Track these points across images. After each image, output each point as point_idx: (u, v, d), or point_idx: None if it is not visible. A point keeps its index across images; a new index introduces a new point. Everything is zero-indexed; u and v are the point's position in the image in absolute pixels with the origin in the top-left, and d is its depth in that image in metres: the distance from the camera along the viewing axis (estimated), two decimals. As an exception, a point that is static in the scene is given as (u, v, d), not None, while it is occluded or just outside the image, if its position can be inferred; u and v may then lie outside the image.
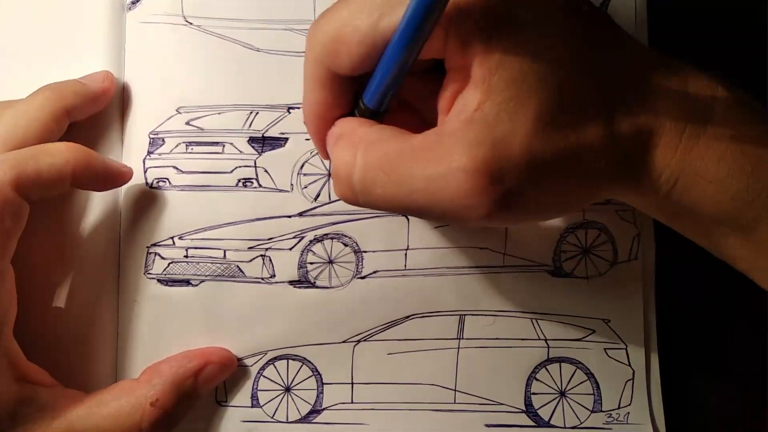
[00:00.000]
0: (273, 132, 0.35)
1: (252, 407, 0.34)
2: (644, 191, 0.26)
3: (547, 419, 0.35)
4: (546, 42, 0.24)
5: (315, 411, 0.34)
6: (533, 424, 0.34)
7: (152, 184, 0.35)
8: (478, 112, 0.23)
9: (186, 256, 0.34)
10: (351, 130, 0.26)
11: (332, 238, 0.35)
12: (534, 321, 0.35)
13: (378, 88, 0.26)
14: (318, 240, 0.35)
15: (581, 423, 0.34)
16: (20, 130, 0.31)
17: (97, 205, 0.34)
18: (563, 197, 0.25)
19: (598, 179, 0.25)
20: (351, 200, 0.26)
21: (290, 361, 0.34)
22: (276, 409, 0.34)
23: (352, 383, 0.34)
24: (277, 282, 0.34)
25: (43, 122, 0.31)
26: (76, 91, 0.33)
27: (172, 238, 0.34)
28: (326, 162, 0.35)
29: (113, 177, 0.33)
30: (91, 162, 0.31)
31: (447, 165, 0.23)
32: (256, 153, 0.35)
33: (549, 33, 0.24)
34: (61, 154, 0.30)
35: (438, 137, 0.24)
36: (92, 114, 0.34)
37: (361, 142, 0.25)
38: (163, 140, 0.35)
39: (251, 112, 0.35)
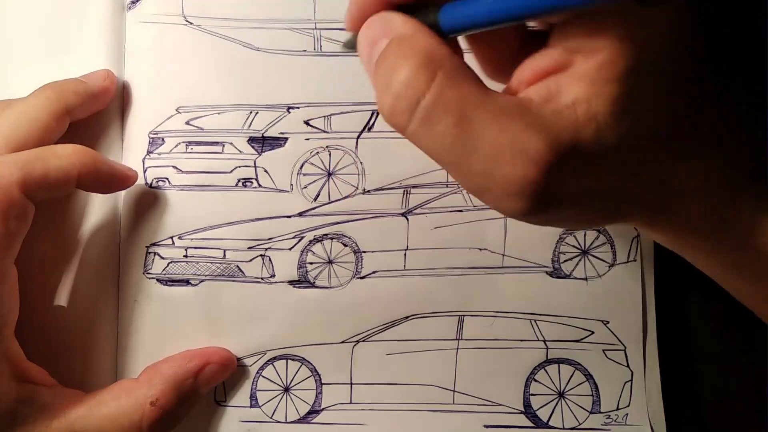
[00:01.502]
0: (273, 132, 0.35)
1: (251, 407, 0.34)
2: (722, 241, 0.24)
3: (545, 420, 0.35)
4: (673, 61, 0.21)
5: (314, 411, 0.34)
6: (532, 425, 0.35)
7: (152, 183, 0.35)
8: (571, 109, 0.21)
9: (185, 256, 0.34)
10: (425, 44, 0.22)
11: (332, 238, 0.35)
12: (533, 322, 0.35)
13: (477, 17, 0.21)
14: (318, 240, 0.35)
15: (579, 424, 0.35)
16: (22, 130, 0.31)
17: (97, 204, 0.34)
18: (605, 219, 0.24)
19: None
20: (401, 124, 0.22)
21: (289, 361, 0.34)
22: (275, 409, 0.34)
23: (351, 383, 0.34)
24: (276, 282, 0.34)
25: (45, 121, 0.31)
26: (77, 90, 0.33)
27: (171, 237, 0.34)
28: (326, 162, 0.35)
29: (118, 180, 0.33)
30: (97, 165, 0.31)
31: (522, 144, 0.21)
32: (255, 153, 0.35)
33: (679, 55, 0.21)
34: (68, 156, 0.30)
35: (522, 110, 0.21)
36: (93, 112, 0.34)
37: (443, 69, 0.22)
38: (163, 140, 0.35)
39: (251, 112, 0.35)
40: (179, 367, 0.32)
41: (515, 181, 0.21)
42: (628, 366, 0.35)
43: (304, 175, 0.35)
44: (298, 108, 0.36)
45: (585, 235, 0.35)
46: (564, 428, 0.35)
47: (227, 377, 0.34)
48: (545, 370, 0.35)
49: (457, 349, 0.35)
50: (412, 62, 0.22)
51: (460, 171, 0.22)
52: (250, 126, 0.35)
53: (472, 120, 0.21)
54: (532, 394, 0.35)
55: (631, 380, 0.35)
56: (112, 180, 0.32)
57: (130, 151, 0.35)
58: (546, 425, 0.35)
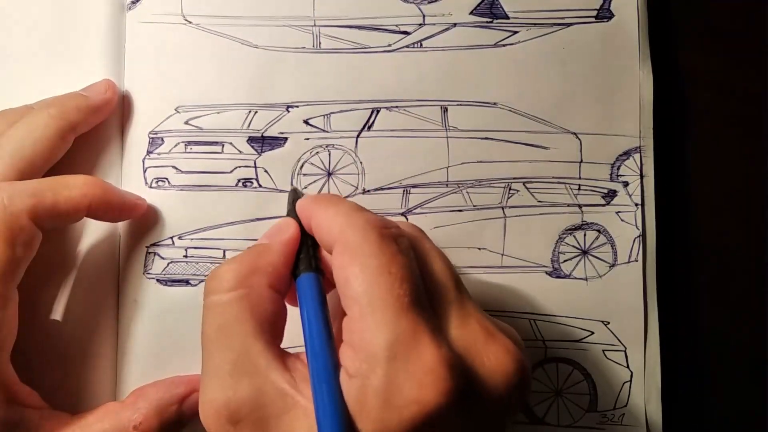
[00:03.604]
0: (272, 131, 0.35)
1: (251, 406, 0.35)
2: None
3: (541, 417, 0.35)
4: None
5: (314, 410, 0.35)
6: (526, 420, 0.35)
7: (151, 183, 0.35)
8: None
9: (185, 256, 0.35)
10: (267, 264, 0.27)
11: (331, 238, 0.35)
12: (532, 322, 0.35)
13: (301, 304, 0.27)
14: (317, 240, 0.35)
15: (575, 422, 0.35)
16: (27, 150, 0.31)
17: (97, 205, 0.34)
18: None
19: None
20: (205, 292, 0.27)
21: (289, 361, 0.35)
22: (275, 408, 0.35)
23: (351, 383, 0.35)
24: (276, 282, 0.35)
25: (50, 140, 0.32)
26: (80, 106, 0.33)
27: (171, 237, 0.35)
28: (326, 161, 0.35)
29: (128, 209, 0.33)
30: (107, 196, 0.32)
31: (216, 391, 0.25)
32: (255, 153, 0.35)
33: None
34: (79, 187, 0.30)
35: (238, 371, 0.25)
36: (96, 124, 0.34)
37: (247, 290, 0.26)
38: (163, 140, 0.35)
39: (250, 111, 0.35)
40: (165, 392, 0.32)
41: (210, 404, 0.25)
42: (627, 367, 0.35)
43: (304, 175, 0.35)
44: (297, 107, 0.35)
45: (585, 235, 0.35)
46: (559, 425, 0.35)
47: None
48: (543, 369, 0.35)
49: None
50: (237, 267, 0.27)
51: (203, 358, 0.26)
52: (249, 125, 0.35)
53: (222, 338, 0.25)
54: (530, 393, 0.35)
55: (631, 381, 0.35)
56: (121, 210, 0.33)
57: (129, 151, 0.35)
58: (540, 422, 0.35)
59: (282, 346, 0.27)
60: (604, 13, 0.36)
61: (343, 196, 0.30)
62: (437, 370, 0.23)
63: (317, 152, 0.35)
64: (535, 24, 0.36)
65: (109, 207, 0.32)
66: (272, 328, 0.26)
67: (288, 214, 0.30)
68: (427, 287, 0.25)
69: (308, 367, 0.24)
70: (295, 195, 0.31)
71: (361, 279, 0.24)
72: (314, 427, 0.23)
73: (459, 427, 0.23)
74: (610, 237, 0.35)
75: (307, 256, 0.28)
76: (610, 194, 0.35)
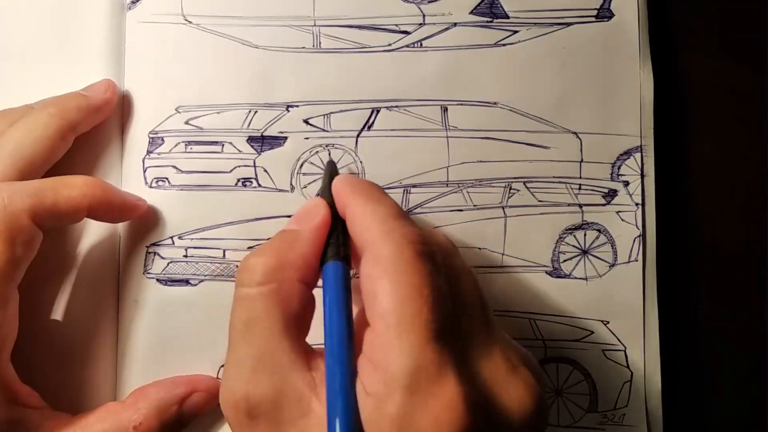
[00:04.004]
0: (272, 131, 0.35)
1: (251, 406, 0.35)
2: None
3: (543, 418, 0.35)
4: None
5: (314, 410, 0.35)
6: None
7: (151, 183, 0.35)
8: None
9: (185, 256, 0.35)
10: (290, 257, 0.27)
11: (331, 238, 0.35)
12: (532, 321, 0.35)
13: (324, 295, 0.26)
14: (317, 240, 0.35)
15: (575, 422, 0.35)
16: (27, 150, 0.31)
17: (97, 205, 0.34)
18: None
19: None
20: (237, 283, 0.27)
21: (289, 361, 0.35)
22: (275, 408, 0.35)
23: (351, 383, 0.35)
24: (276, 282, 0.35)
25: (51, 140, 0.32)
26: (80, 105, 0.33)
27: (171, 237, 0.35)
28: (325, 161, 0.35)
29: (128, 210, 0.33)
30: (107, 196, 0.32)
31: (234, 390, 0.25)
32: (255, 152, 0.35)
33: None
34: (79, 187, 0.30)
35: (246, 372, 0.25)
36: (96, 124, 0.34)
37: (276, 284, 0.26)
38: (163, 140, 0.35)
39: (250, 111, 0.35)
40: (165, 392, 0.32)
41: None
42: (627, 366, 0.35)
43: (304, 174, 0.35)
44: (297, 106, 0.35)
45: (585, 234, 0.35)
46: (559, 425, 0.35)
47: (215, 406, 0.34)
48: (543, 369, 0.35)
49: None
50: (268, 260, 0.26)
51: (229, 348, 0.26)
52: (249, 125, 0.35)
53: (249, 331, 0.25)
54: (531, 394, 0.35)
55: (631, 381, 0.35)
56: (122, 210, 0.33)
57: (129, 151, 0.35)
58: None
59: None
60: (604, 13, 0.36)
61: (382, 189, 0.28)
62: (457, 407, 0.22)
63: (317, 152, 0.35)
64: (535, 23, 0.36)
65: (110, 207, 0.32)
66: (299, 323, 0.26)
67: (322, 191, 0.30)
68: (455, 310, 0.25)
69: (326, 367, 0.24)
70: (331, 170, 0.30)
71: (390, 297, 0.23)
72: None
73: None
74: (611, 237, 0.35)
75: (336, 242, 0.27)
76: (611, 194, 0.35)
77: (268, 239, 0.34)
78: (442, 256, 0.26)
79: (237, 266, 0.34)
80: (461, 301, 0.25)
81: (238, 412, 0.24)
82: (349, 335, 0.25)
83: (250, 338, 0.25)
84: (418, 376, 0.22)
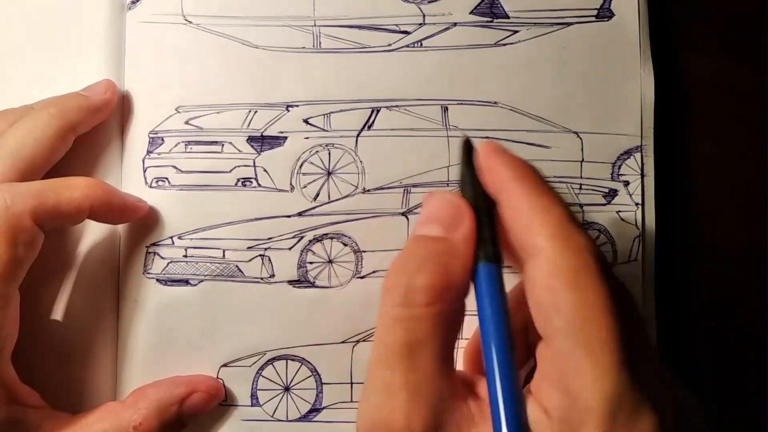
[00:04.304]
0: (272, 131, 0.35)
1: (252, 406, 0.34)
2: None
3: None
4: None
5: (315, 410, 0.35)
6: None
7: (151, 183, 0.35)
8: None
9: (185, 256, 0.35)
10: (447, 275, 0.24)
11: (332, 238, 0.35)
12: (533, 321, 0.35)
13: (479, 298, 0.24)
14: (317, 240, 0.35)
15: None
16: (27, 150, 0.31)
17: (97, 205, 0.34)
18: None
19: None
20: (384, 293, 0.24)
21: (289, 361, 0.34)
22: (276, 408, 0.35)
23: (352, 383, 0.35)
24: (276, 282, 0.35)
25: (51, 140, 0.32)
26: (80, 105, 0.33)
27: (171, 237, 0.35)
28: (325, 161, 0.35)
29: (129, 212, 0.33)
30: (109, 198, 0.32)
31: None
32: (255, 152, 0.35)
33: None
34: (81, 189, 0.31)
35: None
36: (96, 125, 0.34)
37: (439, 314, 0.23)
38: (163, 140, 0.35)
39: (250, 111, 0.35)
40: (165, 392, 0.32)
41: None
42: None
43: (304, 174, 0.35)
44: (297, 106, 0.35)
45: (585, 234, 0.35)
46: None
47: (214, 406, 0.34)
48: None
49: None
50: (432, 276, 0.23)
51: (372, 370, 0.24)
52: (249, 125, 0.35)
53: (408, 356, 0.23)
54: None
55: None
56: (123, 212, 0.33)
57: (129, 151, 0.35)
58: None
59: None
60: (604, 13, 0.36)
61: (541, 174, 0.25)
62: None
63: (317, 151, 0.35)
64: (535, 23, 0.36)
65: (111, 209, 0.32)
66: (454, 343, 0.24)
67: (462, 176, 0.26)
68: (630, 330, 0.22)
69: (488, 391, 0.22)
70: (468, 148, 0.26)
71: (579, 314, 0.21)
72: None
73: None
74: (611, 236, 0.35)
75: (487, 240, 0.24)
76: (611, 193, 0.35)
77: (268, 239, 0.34)
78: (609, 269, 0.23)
79: (237, 266, 0.34)
80: (634, 321, 0.23)
81: None
82: (512, 351, 0.23)
83: (410, 362, 0.23)
84: (617, 406, 0.20)
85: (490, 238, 0.24)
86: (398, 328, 0.23)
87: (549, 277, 0.22)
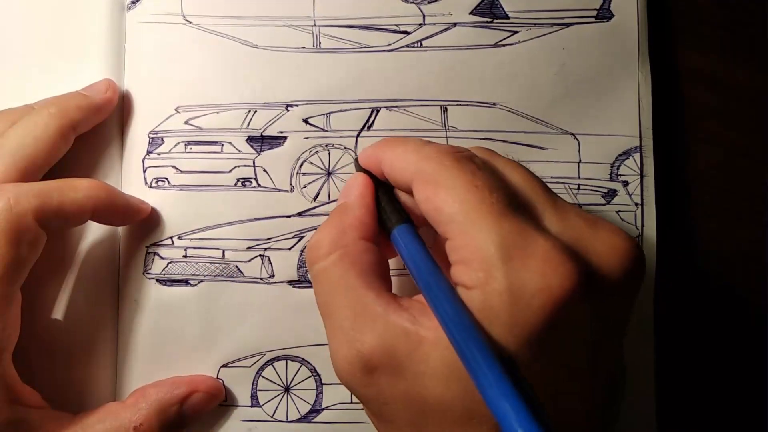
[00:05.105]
0: (272, 131, 0.35)
1: (252, 407, 0.35)
2: None
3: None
4: None
5: (315, 411, 0.35)
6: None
7: (151, 183, 0.35)
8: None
9: (185, 256, 0.35)
10: (341, 225, 0.28)
11: (331, 238, 0.35)
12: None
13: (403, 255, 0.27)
14: (317, 240, 0.35)
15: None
16: (28, 149, 0.31)
17: (97, 205, 0.34)
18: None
19: None
20: (307, 263, 0.29)
21: (289, 361, 0.35)
22: (276, 409, 0.35)
23: (351, 383, 0.35)
24: (276, 282, 0.35)
25: (52, 139, 0.32)
26: (81, 104, 0.33)
27: (171, 237, 0.35)
28: (325, 161, 0.35)
29: (131, 213, 0.33)
30: (112, 199, 0.32)
31: (355, 338, 0.25)
32: (254, 152, 0.35)
33: None
34: (85, 190, 0.31)
35: (374, 315, 0.25)
36: (96, 124, 0.34)
37: (344, 251, 0.27)
38: (162, 140, 0.35)
39: (249, 111, 0.35)
40: (166, 393, 0.32)
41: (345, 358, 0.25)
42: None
43: (304, 174, 0.35)
44: (296, 106, 0.35)
45: (585, 234, 0.35)
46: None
47: (215, 406, 0.34)
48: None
49: None
50: (329, 232, 0.27)
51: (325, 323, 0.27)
52: (248, 125, 0.35)
53: (336, 298, 0.26)
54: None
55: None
56: (125, 213, 0.33)
57: (129, 151, 0.35)
58: None
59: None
60: (603, 13, 0.36)
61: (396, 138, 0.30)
62: (555, 257, 0.23)
63: (317, 151, 0.35)
64: (535, 24, 0.36)
65: (113, 210, 0.32)
66: (378, 277, 0.27)
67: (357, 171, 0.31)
68: (514, 192, 0.25)
69: (425, 298, 0.24)
70: (356, 156, 0.32)
71: (451, 201, 0.24)
72: (446, 355, 0.23)
73: (587, 312, 0.23)
74: (610, 237, 0.35)
75: (392, 209, 0.28)
76: (610, 194, 0.35)
77: (267, 239, 0.35)
78: (482, 159, 0.26)
79: (236, 266, 0.34)
80: (518, 187, 0.26)
81: (354, 374, 0.25)
82: (439, 268, 0.25)
83: (339, 302, 0.26)
84: (508, 247, 0.23)
85: (398, 207, 0.28)
86: (318, 283, 0.27)
87: (422, 190, 0.25)
